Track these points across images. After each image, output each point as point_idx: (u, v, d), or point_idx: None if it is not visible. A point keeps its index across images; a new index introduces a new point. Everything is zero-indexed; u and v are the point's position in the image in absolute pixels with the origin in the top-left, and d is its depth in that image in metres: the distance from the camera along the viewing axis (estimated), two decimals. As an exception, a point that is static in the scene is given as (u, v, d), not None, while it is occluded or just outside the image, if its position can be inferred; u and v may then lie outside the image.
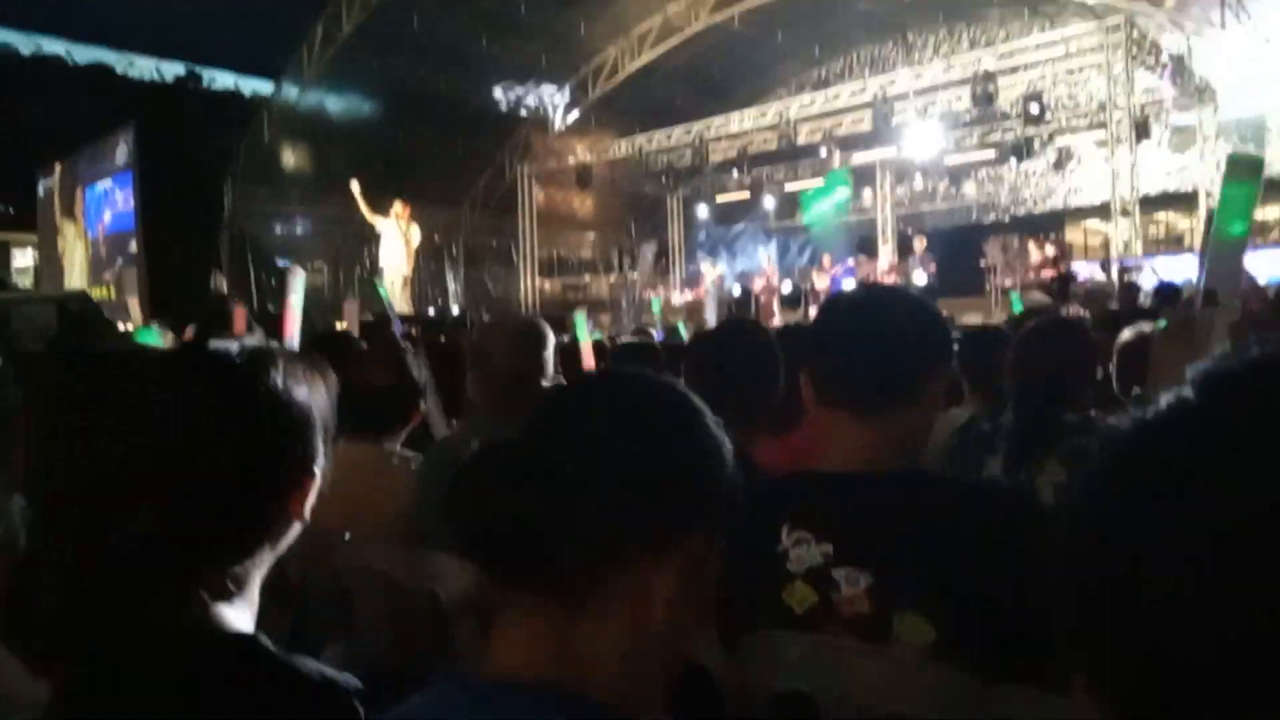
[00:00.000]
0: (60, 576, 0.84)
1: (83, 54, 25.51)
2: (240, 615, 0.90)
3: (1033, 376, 2.23)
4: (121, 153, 15.59)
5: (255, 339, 0.98)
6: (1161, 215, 14.67)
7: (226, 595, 0.89)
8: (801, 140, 14.29)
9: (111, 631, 0.84)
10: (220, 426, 0.87)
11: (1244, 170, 1.08)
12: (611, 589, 0.72)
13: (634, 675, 0.74)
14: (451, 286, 17.57)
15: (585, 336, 3.62)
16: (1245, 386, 0.40)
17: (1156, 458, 0.41)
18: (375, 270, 13.95)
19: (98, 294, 14.11)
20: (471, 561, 0.75)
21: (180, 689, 0.80)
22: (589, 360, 2.63)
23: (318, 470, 0.95)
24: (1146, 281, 9.24)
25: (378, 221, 12.17)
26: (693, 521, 0.75)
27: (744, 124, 14.54)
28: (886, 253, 16.14)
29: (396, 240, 12.00)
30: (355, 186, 11.88)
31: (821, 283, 13.46)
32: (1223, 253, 1.07)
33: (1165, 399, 0.43)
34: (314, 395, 0.95)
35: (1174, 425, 0.42)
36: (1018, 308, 5.77)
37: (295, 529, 0.95)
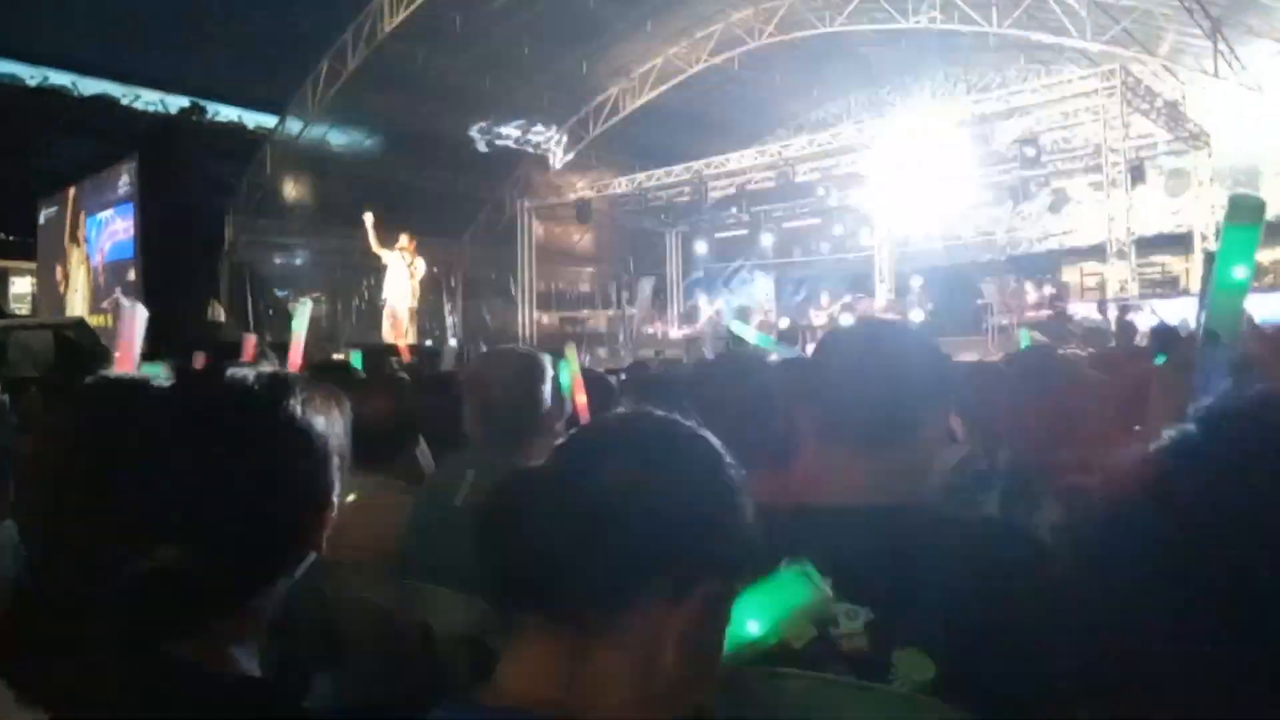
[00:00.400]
0: (64, 609, 0.82)
1: (88, 86, 25.77)
2: (249, 653, 0.87)
3: (1030, 414, 2.23)
4: (124, 183, 15.71)
5: (269, 366, 0.96)
6: (1157, 257, 14.77)
7: (238, 631, 0.86)
8: (799, 179, 14.42)
9: (116, 667, 0.82)
10: (244, 458, 0.85)
11: (1246, 213, 1.08)
12: (627, 627, 0.72)
13: (644, 711, 0.74)
14: (449, 319, 17.60)
15: (576, 370, 3.52)
16: (1248, 421, 0.40)
17: (1160, 494, 0.40)
18: (374, 302, 13.98)
19: (96, 322, 14.12)
20: (490, 589, 0.75)
21: None
22: (580, 396, 2.62)
23: (335, 501, 0.93)
24: (1144, 322, 9.28)
25: (384, 254, 12.24)
26: (712, 567, 0.75)
27: (742, 162, 14.68)
28: (884, 291, 16.22)
29: (402, 273, 12.08)
30: (369, 219, 11.97)
31: (819, 320, 13.51)
32: (1225, 296, 1.06)
33: (1169, 433, 0.42)
34: (331, 424, 0.93)
35: (1178, 459, 0.41)
36: (1025, 345, 5.75)
37: (309, 560, 0.93)
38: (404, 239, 12.20)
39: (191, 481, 0.83)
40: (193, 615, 0.83)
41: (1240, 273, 1.06)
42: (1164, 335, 7.41)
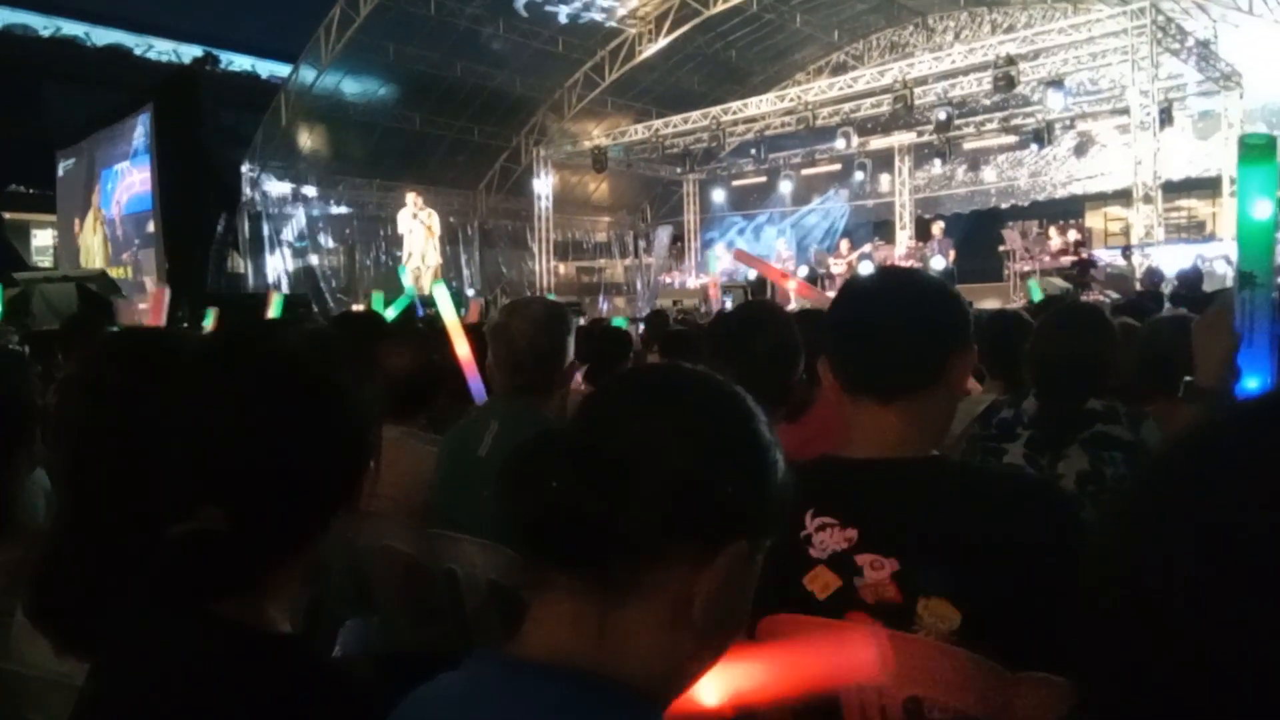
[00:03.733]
0: (102, 562, 0.83)
1: (101, 35, 25.57)
2: (284, 609, 0.88)
3: (1057, 363, 2.21)
4: (139, 134, 15.66)
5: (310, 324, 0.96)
6: (1184, 202, 14.49)
7: (274, 589, 0.87)
8: (819, 124, 14.19)
9: (157, 623, 0.83)
10: (289, 420, 0.85)
11: (1258, 150, 1.06)
12: (654, 584, 0.72)
13: (668, 669, 0.74)
14: (465, 271, 17.59)
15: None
16: None
17: (1219, 461, 0.39)
18: (392, 253, 13.96)
19: (116, 274, 14.22)
20: (517, 544, 0.75)
21: (223, 690, 0.79)
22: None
23: (373, 461, 0.94)
24: (1168, 267, 9.14)
25: (401, 218, 12.27)
26: (742, 526, 0.75)
27: (762, 108, 14.43)
28: (904, 238, 16.05)
29: (417, 231, 12.10)
30: (413, 199, 11.97)
31: (838, 267, 13.40)
32: (1252, 236, 1.05)
33: (1233, 401, 0.42)
34: (369, 383, 0.93)
35: (1239, 432, 0.40)
36: (1036, 296, 5.71)
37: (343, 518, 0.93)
38: (412, 197, 12.19)
39: (235, 442, 0.83)
40: (233, 575, 0.84)
41: (1263, 210, 1.05)
42: (1190, 280, 7.30)
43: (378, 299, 4.62)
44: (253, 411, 0.84)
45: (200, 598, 0.83)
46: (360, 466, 0.91)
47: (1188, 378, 1.16)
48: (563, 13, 14.51)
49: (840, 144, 14.49)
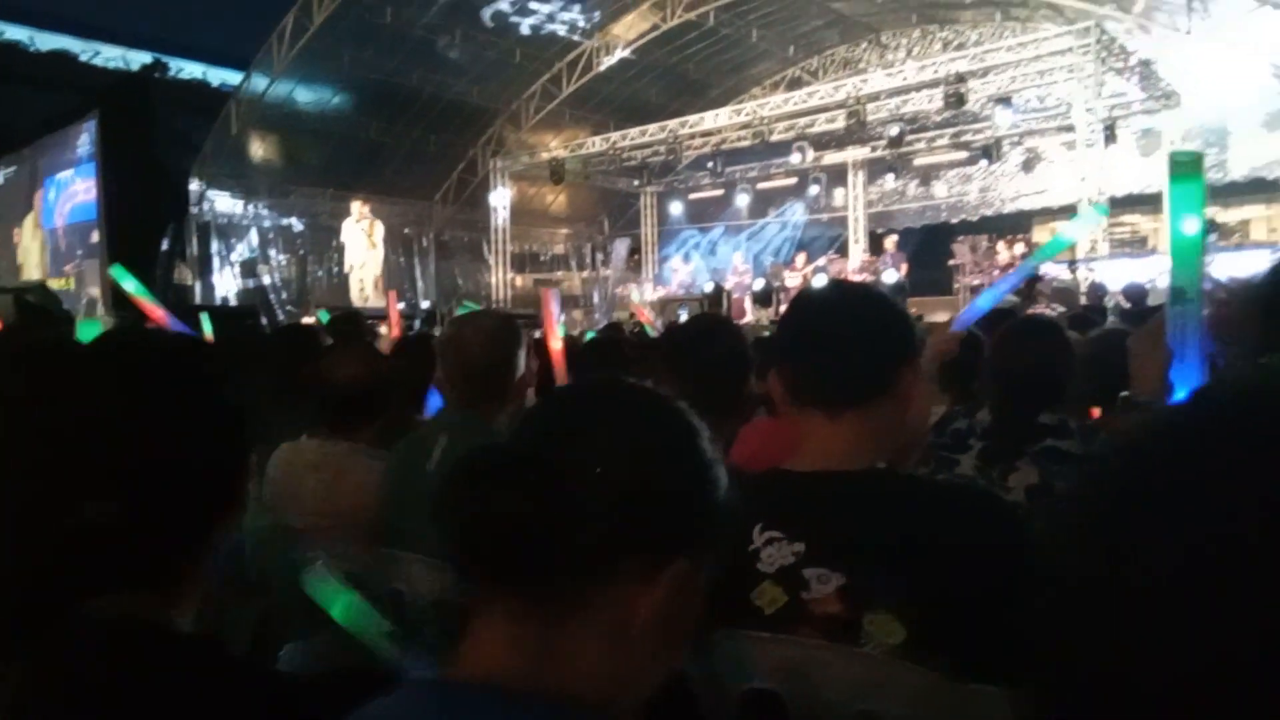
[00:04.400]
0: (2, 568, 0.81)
1: (46, 41, 24.97)
2: (186, 611, 0.88)
3: (1010, 376, 2.24)
4: (84, 142, 15.30)
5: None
6: (1128, 217, 14.88)
7: (171, 593, 0.87)
8: (775, 138, 14.34)
9: (57, 627, 0.81)
10: (170, 411, 0.86)
11: (1186, 167, 1.09)
12: (596, 601, 0.71)
13: (612, 688, 0.73)
14: (420, 282, 17.42)
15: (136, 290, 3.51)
16: (1249, 403, 0.39)
17: (1161, 462, 0.39)
18: (343, 264, 13.77)
19: (57, 285, 13.85)
20: (456, 561, 0.73)
21: (133, 690, 0.77)
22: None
23: (251, 455, 0.96)
24: (1111, 282, 9.36)
25: (345, 227, 12.03)
26: (685, 542, 0.74)
27: (718, 121, 14.54)
28: (858, 252, 16.26)
29: (361, 240, 11.87)
30: (357, 208, 11.74)
31: (793, 280, 13.52)
32: (1182, 252, 1.08)
33: (1166, 406, 0.42)
34: (241, 381, 0.96)
35: (1180, 432, 0.40)
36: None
37: (237, 518, 0.95)
38: (357, 205, 11.96)
39: (118, 436, 0.83)
40: (125, 569, 0.83)
41: (1190, 226, 1.07)
42: (1134, 294, 7.49)
43: (324, 315, 4.56)
44: (131, 404, 0.85)
45: (90, 593, 0.81)
46: (241, 461, 0.93)
47: (1124, 392, 1.18)
48: (525, 24, 14.49)
49: (795, 158, 14.65)
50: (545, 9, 14.36)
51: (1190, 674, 0.34)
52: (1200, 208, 1.10)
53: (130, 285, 3.67)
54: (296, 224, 16.00)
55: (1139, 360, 1.05)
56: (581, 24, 15.01)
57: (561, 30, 15.17)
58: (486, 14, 13.91)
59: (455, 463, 0.74)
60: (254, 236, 15.54)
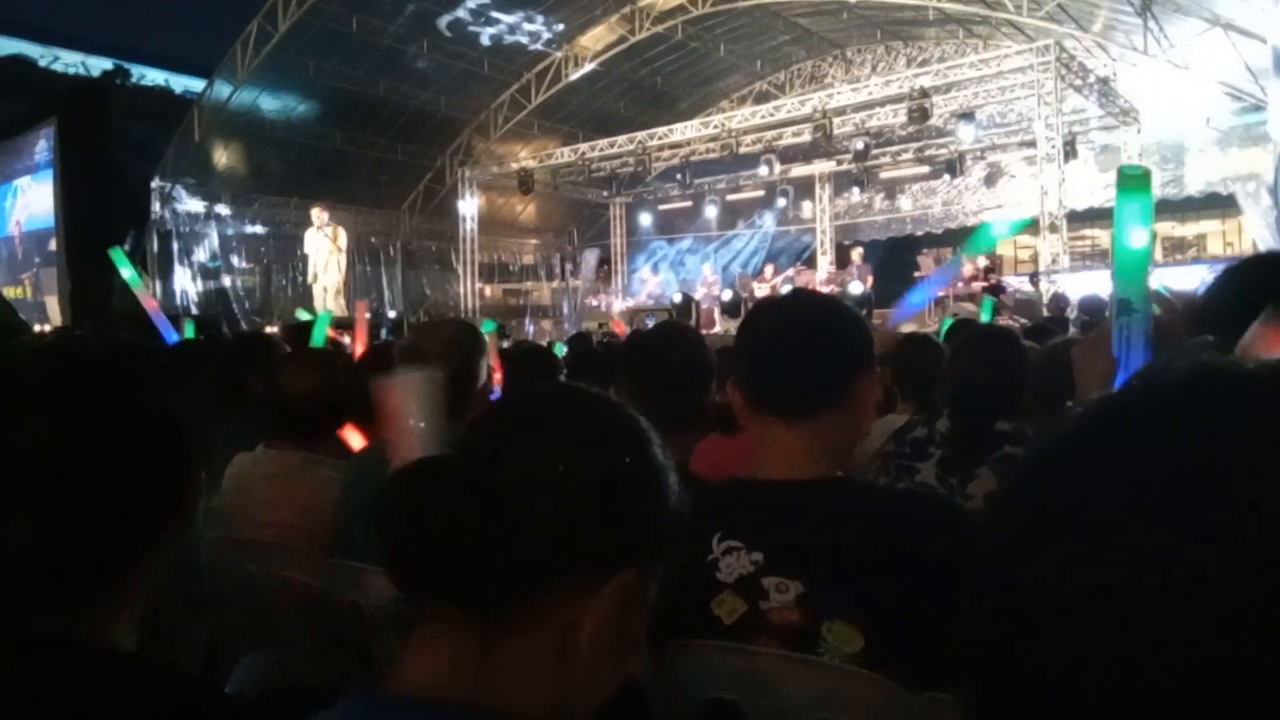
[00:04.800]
0: None
1: (2, 45, 24.52)
2: (125, 631, 0.84)
3: (969, 385, 2.26)
4: (42, 149, 15.02)
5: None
6: (1088, 231, 15.17)
7: (113, 608, 0.83)
8: (743, 151, 14.44)
9: None
10: (94, 428, 0.81)
11: (1134, 181, 1.11)
12: (538, 614, 0.69)
13: (557, 701, 0.71)
14: (387, 292, 17.27)
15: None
16: (1180, 394, 0.39)
17: (1073, 460, 0.39)
18: (304, 274, 13.56)
19: (14, 294, 13.55)
20: (393, 574, 0.71)
21: (42, 711, 0.74)
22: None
23: (199, 471, 0.91)
24: (1074, 295, 9.52)
25: (308, 235, 11.74)
26: (630, 552, 0.72)
27: (686, 134, 14.61)
28: (825, 263, 16.40)
29: (324, 246, 11.60)
30: (317, 214, 11.47)
31: (761, 291, 13.59)
32: (1128, 264, 1.09)
33: (1088, 405, 0.41)
34: (187, 394, 0.91)
35: (1102, 426, 0.40)
36: (988, 315, 5.80)
37: (181, 532, 0.90)
38: (316, 212, 11.68)
39: (29, 450, 0.78)
40: (45, 590, 0.79)
41: (1138, 239, 1.09)
42: (1091, 306, 7.60)
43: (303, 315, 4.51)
44: (45, 418, 0.80)
45: (12, 614, 0.77)
46: (183, 477, 0.87)
47: (1070, 401, 1.19)
48: (486, 34, 14.45)
49: (763, 171, 14.75)
50: (509, 19, 14.35)
51: (1136, 676, 0.33)
52: (1148, 221, 1.11)
53: (127, 272, 3.80)
54: (260, 232, 15.80)
55: (1083, 370, 1.06)
56: (547, 35, 15.01)
57: (529, 42, 15.17)
58: (443, 22, 13.84)
59: (391, 476, 0.73)
60: (215, 243, 15.30)
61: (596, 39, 15.43)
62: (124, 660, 0.82)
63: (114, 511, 0.82)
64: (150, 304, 3.51)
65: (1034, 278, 11.33)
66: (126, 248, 14.10)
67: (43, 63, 25.16)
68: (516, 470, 0.70)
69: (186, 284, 14.94)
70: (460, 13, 13.84)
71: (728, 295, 14.05)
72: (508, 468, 0.70)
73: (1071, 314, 8.43)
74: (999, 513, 0.41)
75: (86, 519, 0.80)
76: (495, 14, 14.11)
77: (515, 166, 15.87)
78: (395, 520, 0.69)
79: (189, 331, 6.50)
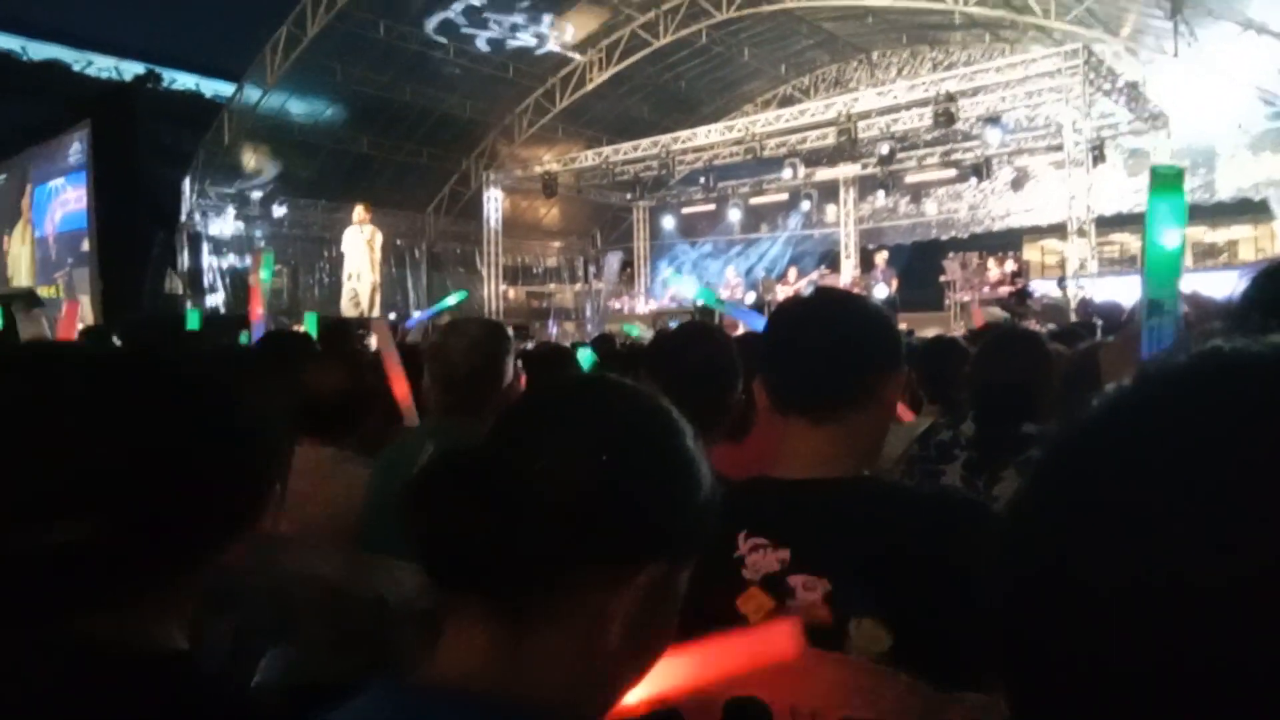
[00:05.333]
0: None
1: (38, 50, 24.96)
2: (175, 632, 0.83)
3: (994, 387, 2.25)
4: (75, 151, 15.27)
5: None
6: (1117, 236, 14.99)
7: (163, 609, 0.82)
8: (767, 155, 14.41)
9: (26, 649, 0.78)
10: (178, 434, 0.79)
11: (1168, 180, 1.09)
12: (565, 607, 0.69)
13: (583, 694, 0.71)
14: (412, 294, 17.40)
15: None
16: (1180, 382, 0.38)
17: (1093, 448, 0.39)
18: (336, 274, 13.70)
19: (46, 293, 13.77)
20: (422, 567, 0.72)
21: (85, 710, 0.74)
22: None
23: (277, 482, 0.89)
24: (1102, 298, 9.41)
25: (346, 235, 11.89)
26: (658, 546, 0.71)
27: (710, 138, 14.60)
28: (849, 267, 16.32)
29: (360, 246, 11.74)
30: (359, 212, 11.62)
31: (785, 294, 13.55)
32: (1159, 265, 1.07)
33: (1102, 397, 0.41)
34: (277, 402, 0.90)
35: (1113, 417, 0.40)
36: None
37: (246, 538, 0.87)
38: (359, 210, 11.84)
39: (100, 453, 0.77)
40: (104, 591, 0.77)
41: (1171, 240, 1.07)
42: (1108, 312, 7.50)
43: (311, 321, 4.55)
44: (122, 421, 0.78)
45: (66, 615, 0.77)
46: (261, 487, 0.86)
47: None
48: (482, 38, 14.51)
49: (787, 174, 14.71)
50: (532, 26, 14.42)
51: (1146, 668, 0.33)
52: (1182, 221, 1.09)
53: (265, 273, 3.95)
54: (288, 234, 15.98)
55: (1110, 372, 1.05)
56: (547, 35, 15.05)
57: (555, 47, 15.23)
58: (431, 25, 13.88)
59: (418, 469, 0.73)
60: (244, 244, 15.50)
61: (621, 43, 15.43)
62: (174, 662, 0.81)
63: (187, 519, 0.80)
64: (256, 312, 3.64)
65: (1061, 282, 11.21)
66: (156, 248, 14.31)
67: (77, 67, 25.58)
68: (539, 461, 0.70)
69: (216, 284, 15.14)
70: (486, 17, 13.92)
71: (751, 298, 14.02)
72: (530, 459, 0.70)
73: (1097, 320, 8.33)
74: (1025, 502, 0.41)
75: (159, 524, 0.78)
76: (517, 19, 14.18)
77: (539, 170, 15.95)
78: (422, 514, 0.70)
79: (193, 322, 6.59)
